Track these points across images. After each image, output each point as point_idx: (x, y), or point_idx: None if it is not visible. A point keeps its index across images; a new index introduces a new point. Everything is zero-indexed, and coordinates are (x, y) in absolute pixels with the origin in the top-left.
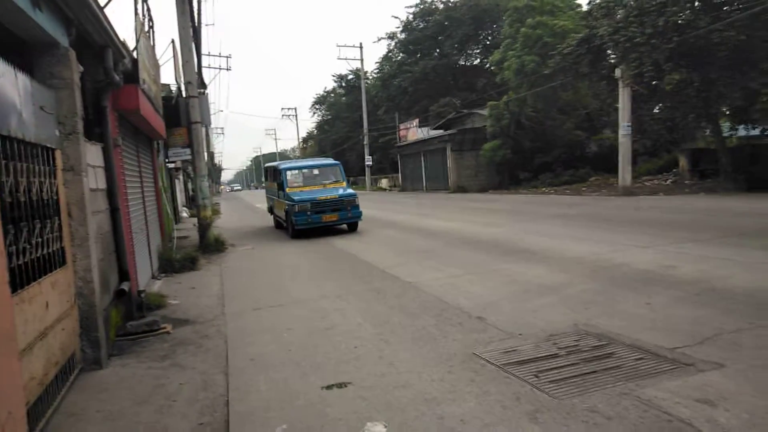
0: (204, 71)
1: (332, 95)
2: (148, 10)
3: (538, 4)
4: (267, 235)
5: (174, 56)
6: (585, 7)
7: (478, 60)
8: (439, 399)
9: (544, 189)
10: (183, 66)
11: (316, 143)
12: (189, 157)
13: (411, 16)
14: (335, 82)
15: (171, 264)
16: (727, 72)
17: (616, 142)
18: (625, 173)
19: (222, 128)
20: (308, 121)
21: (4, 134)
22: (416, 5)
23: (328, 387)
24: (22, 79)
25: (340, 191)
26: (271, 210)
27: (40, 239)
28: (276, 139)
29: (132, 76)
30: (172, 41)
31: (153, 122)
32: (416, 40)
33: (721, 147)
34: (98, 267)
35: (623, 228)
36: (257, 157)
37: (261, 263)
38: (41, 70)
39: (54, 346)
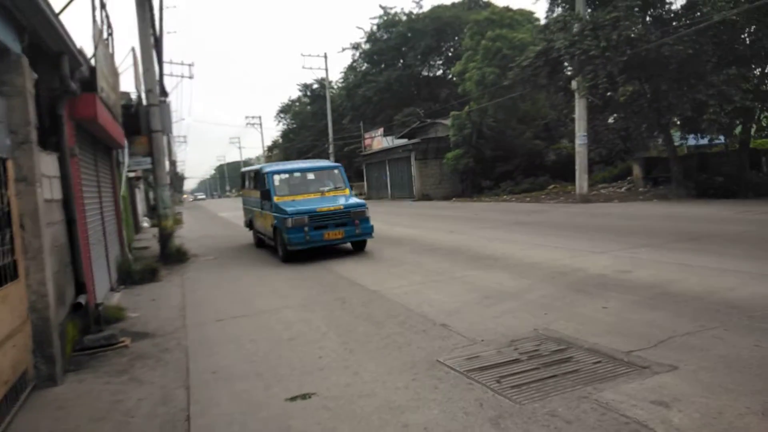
0: (166, 79)
1: (297, 104)
2: (107, 17)
3: (497, 17)
4: (230, 244)
5: (134, 64)
6: (542, 21)
7: (441, 71)
8: (404, 407)
9: (505, 197)
10: (143, 74)
11: (281, 152)
12: (150, 166)
13: (375, 27)
14: (300, 91)
15: (131, 275)
16: (677, 84)
17: (574, 151)
18: (582, 181)
19: (185, 136)
20: (273, 130)
21: None
22: (380, 17)
23: (292, 398)
24: None
25: (346, 201)
26: (250, 224)
27: None
28: (240, 147)
29: (90, 84)
30: (132, 49)
31: (112, 131)
32: (380, 50)
33: (672, 156)
34: (53, 280)
35: (580, 234)
36: (221, 165)
37: (223, 273)
38: None
39: (4, 365)
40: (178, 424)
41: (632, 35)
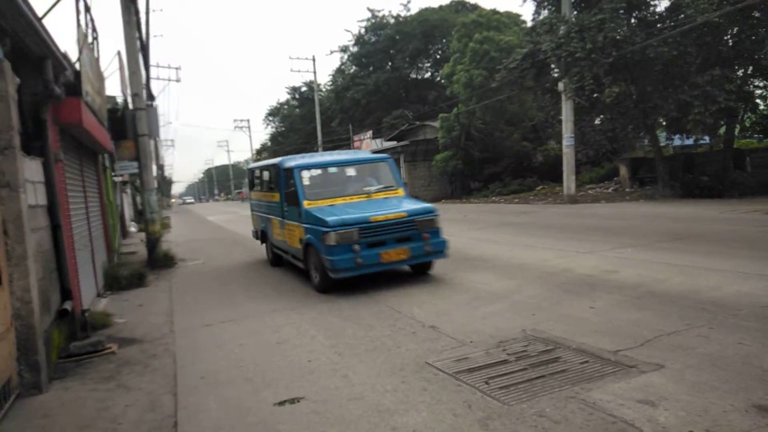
0: (153, 82)
1: (286, 107)
2: (92, 20)
3: (484, 20)
4: (219, 248)
5: (120, 68)
6: (529, 24)
7: (429, 73)
8: (393, 410)
9: (494, 198)
10: (129, 78)
11: (270, 155)
12: (136, 171)
13: (363, 30)
14: (289, 94)
15: (117, 281)
16: (662, 85)
17: (561, 152)
18: (569, 182)
19: (172, 140)
20: (261, 133)
21: None
22: (368, 19)
23: (281, 403)
24: None
25: (408, 205)
26: (262, 236)
27: None
28: (228, 150)
29: (74, 88)
30: (118, 53)
31: (97, 135)
32: (368, 53)
33: (658, 156)
34: (38, 287)
35: (568, 234)
36: (209, 169)
37: (211, 278)
38: None
39: None
40: (165, 431)
41: (617, 37)
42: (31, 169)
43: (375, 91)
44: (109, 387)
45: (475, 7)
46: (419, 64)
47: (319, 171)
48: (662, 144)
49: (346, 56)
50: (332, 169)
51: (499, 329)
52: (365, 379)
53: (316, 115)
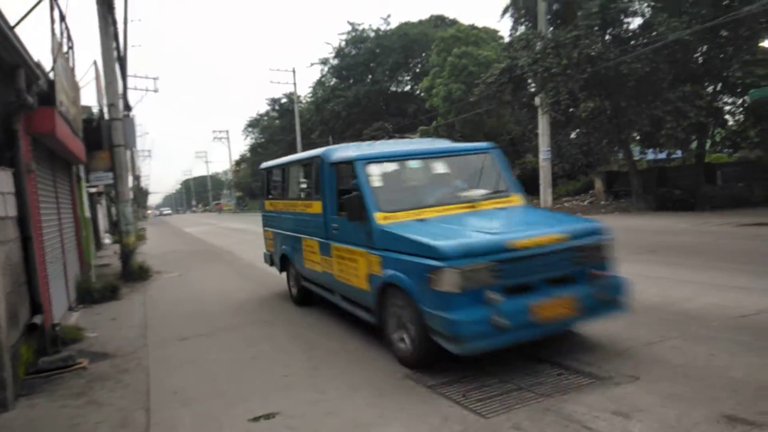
0: (130, 92)
1: (266, 118)
2: (68, 29)
3: (463, 35)
4: (195, 260)
5: (96, 77)
6: (506, 39)
7: (409, 86)
8: (369, 424)
9: None
10: (106, 87)
11: (249, 165)
12: (111, 182)
13: (343, 43)
14: (269, 105)
15: (90, 294)
16: (636, 101)
17: (538, 165)
18: (546, 195)
19: (149, 151)
20: (240, 144)
21: None
22: (348, 32)
23: (255, 419)
24: None
25: (564, 222)
26: (281, 263)
27: None
28: (207, 161)
29: (48, 97)
30: (95, 62)
31: (71, 146)
32: (348, 66)
33: (632, 170)
34: (5, 300)
35: None
36: (187, 180)
37: (187, 291)
38: None
39: None
40: None
41: (592, 53)
42: (1, 179)
43: (355, 103)
44: (78, 403)
45: (454, 22)
46: (399, 77)
47: (396, 166)
48: (636, 158)
49: (326, 68)
50: (413, 164)
51: None
52: (343, 393)
53: (296, 126)
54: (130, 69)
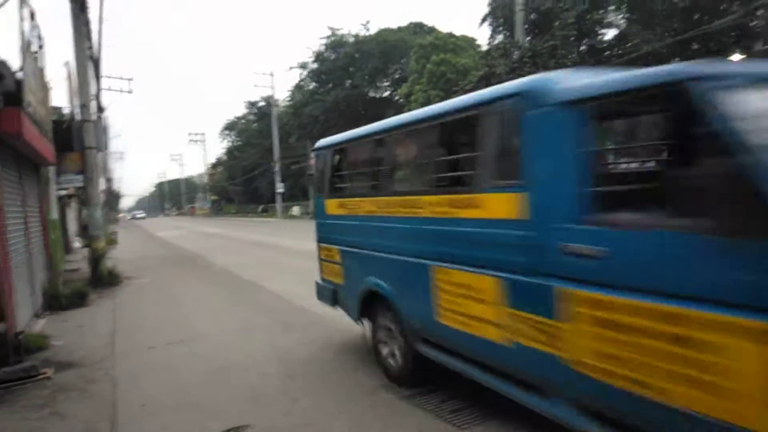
0: (103, 93)
1: (243, 121)
2: (38, 28)
3: (441, 42)
4: (167, 266)
5: (68, 78)
6: (484, 47)
7: (388, 92)
8: None
9: None
10: (78, 88)
11: (225, 169)
12: (82, 184)
13: (323, 47)
14: (246, 108)
15: (57, 300)
16: None
17: None
18: None
19: (122, 153)
20: (217, 147)
21: None
22: (328, 37)
23: (226, 431)
24: None
25: None
26: (366, 304)
27: None
28: (181, 164)
29: (15, 98)
30: (67, 63)
31: (39, 147)
32: (328, 70)
33: None
34: None
35: None
36: (161, 183)
37: (158, 297)
38: None
39: None
40: None
41: (568, 63)
42: None
43: (334, 107)
44: (41, 415)
45: (432, 29)
46: (378, 83)
47: None
48: None
49: (305, 73)
50: None
51: None
52: (317, 404)
53: (274, 130)
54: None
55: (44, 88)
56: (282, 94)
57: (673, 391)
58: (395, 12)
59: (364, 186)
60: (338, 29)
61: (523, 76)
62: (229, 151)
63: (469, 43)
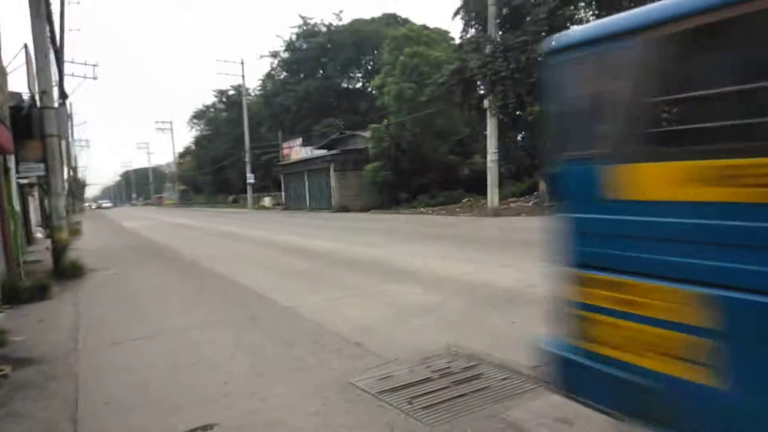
0: (67, 79)
1: (212, 110)
2: None
3: (415, 35)
4: (134, 257)
5: (27, 63)
6: (457, 41)
7: (360, 83)
8: None
9: (422, 209)
10: (37, 73)
11: (194, 158)
12: (43, 173)
13: (294, 36)
14: (216, 96)
15: (17, 293)
16: None
17: (486, 166)
18: (493, 195)
19: (87, 140)
20: (185, 136)
21: None
22: (300, 26)
23: (192, 430)
24: None
25: None
26: None
27: None
28: (149, 153)
29: None
30: (25, 46)
31: None
32: (299, 59)
33: None
34: None
35: (491, 247)
36: (127, 172)
37: (124, 290)
38: None
39: None
40: None
41: (539, 59)
42: None
43: (305, 98)
44: None
45: (406, 21)
46: (351, 74)
47: None
48: None
49: (276, 62)
50: None
51: (424, 345)
52: (285, 402)
53: (244, 119)
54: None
55: (1, 73)
56: (252, 83)
57: None
58: (368, 2)
59: None
60: (310, 18)
61: (495, 70)
62: (198, 141)
63: (443, 36)
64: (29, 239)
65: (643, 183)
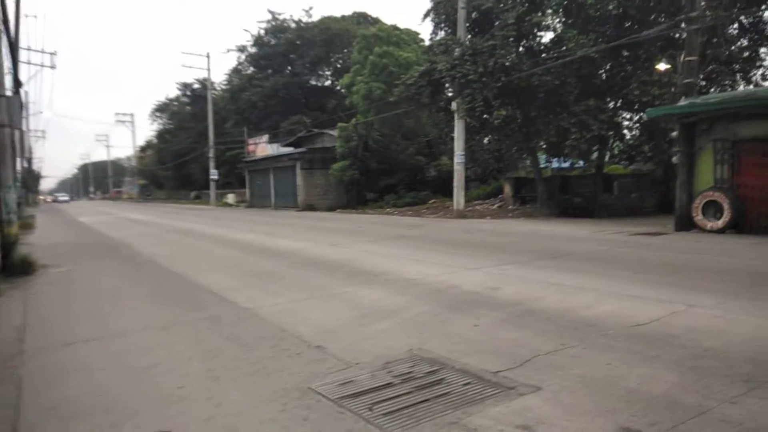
0: (23, 67)
1: (176, 103)
2: None
3: (385, 34)
4: (88, 254)
5: None
6: (427, 42)
7: (329, 81)
8: None
9: (388, 209)
10: None
11: (156, 152)
12: None
13: (263, 31)
14: (180, 90)
15: None
16: (544, 111)
17: (453, 168)
18: (459, 198)
19: (43, 131)
20: (146, 129)
21: None
22: (268, 21)
23: None
24: None
25: None
26: None
27: None
28: (108, 146)
29: None
30: None
31: None
32: (267, 55)
33: (538, 177)
34: None
35: (456, 249)
36: (85, 165)
37: (77, 288)
38: None
39: None
40: None
41: (507, 63)
42: None
43: (273, 94)
44: None
45: (377, 20)
46: (319, 71)
47: None
48: (542, 166)
49: (243, 56)
50: None
51: (386, 349)
52: (242, 408)
53: (209, 114)
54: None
55: None
56: (218, 78)
57: None
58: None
59: None
60: (279, 14)
61: (464, 73)
62: (160, 134)
63: (413, 37)
64: None
65: None
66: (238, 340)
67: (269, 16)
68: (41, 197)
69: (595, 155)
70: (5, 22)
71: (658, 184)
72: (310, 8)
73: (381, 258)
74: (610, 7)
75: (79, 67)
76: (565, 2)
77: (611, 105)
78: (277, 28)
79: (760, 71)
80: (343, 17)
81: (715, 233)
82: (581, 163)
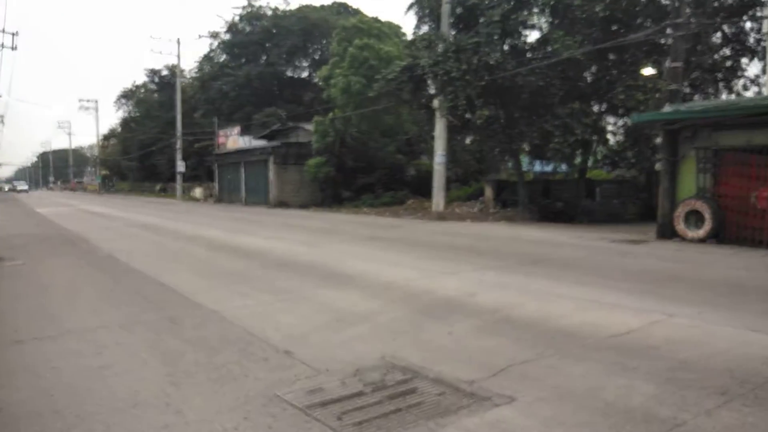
0: None
1: (142, 90)
2: None
3: (365, 26)
4: (45, 247)
5: None
6: (409, 37)
7: (306, 73)
8: None
9: (365, 209)
10: None
11: (120, 142)
12: None
13: (237, 18)
14: (147, 76)
15: None
16: (528, 112)
17: (432, 168)
18: (438, 199)
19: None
20: (111, 117)
21: None
22: (243, 7)
23: None
24: None
25: None
26: None
27: None
28: (70, 133)
29: None
30: None
31: None
32: (242, 43)
33: (520, 180)
34: None
35: (434, 253)
36: (45, 153)
37: (30, 283)
38: None
39: None
40: None
41: (491, 62)
42: None
43: (246, 84)
44: None
45: (357, 11)
46: (296, 62)
47: None
48: (524, 169)
49: (216, 43)
50: None
51: (358, 355)
52: (202, 416)
53: (177, 103)
54: None
55: None
56: (188, 65)
57: None
58: None
59: None
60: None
61: (446, 70)
62: (125, 122)
63: (395, 30)
64: None
65: None
66: (201, 343)
67: (245, 2)
68: None
69: (578, 160)
70: None
71: (640, 190)
72: None
73: (356, 260)
74: (597, 9)
75: (42, 49)
76: (552, 2)
77: (596, 109)
78: (252, 15)
79: (742, 81)
80: (323, 6)
81: (696, 242)
82: (564, 167)
